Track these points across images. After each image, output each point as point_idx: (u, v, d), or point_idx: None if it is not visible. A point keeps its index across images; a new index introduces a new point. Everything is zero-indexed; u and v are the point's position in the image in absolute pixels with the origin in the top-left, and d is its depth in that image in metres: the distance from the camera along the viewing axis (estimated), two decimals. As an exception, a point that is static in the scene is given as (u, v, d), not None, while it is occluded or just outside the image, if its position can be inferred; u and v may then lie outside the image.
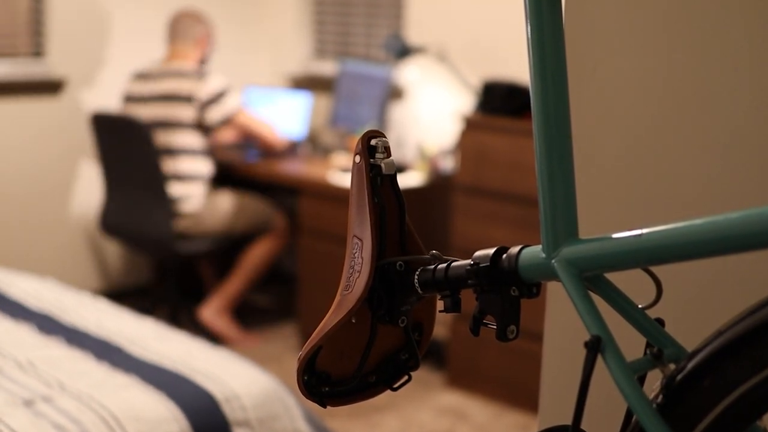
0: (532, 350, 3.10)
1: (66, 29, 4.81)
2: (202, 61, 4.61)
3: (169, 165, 4.37)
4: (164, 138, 4.38)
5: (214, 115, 4.39)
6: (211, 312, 4.63)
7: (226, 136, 4.89)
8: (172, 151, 4.38)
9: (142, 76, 4.52)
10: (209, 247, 4.54)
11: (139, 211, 4.44)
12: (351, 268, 0.98)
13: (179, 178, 4.38)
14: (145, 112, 4.41)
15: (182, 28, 4.58)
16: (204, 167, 4.46)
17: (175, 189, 4.37)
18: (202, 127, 4.41)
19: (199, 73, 4.43)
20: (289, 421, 2.60)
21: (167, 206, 4.35)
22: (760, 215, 0.74)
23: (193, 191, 4.41)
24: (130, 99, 4.50)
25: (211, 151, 4.56)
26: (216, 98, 4.39)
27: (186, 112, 4.37)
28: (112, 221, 4.56)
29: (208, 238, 4.49)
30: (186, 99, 4.37)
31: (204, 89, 4.37)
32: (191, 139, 4.40)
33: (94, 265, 5.03)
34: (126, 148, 4.43)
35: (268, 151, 4.72)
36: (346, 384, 1.01)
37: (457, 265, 0.95)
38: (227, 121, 4.45)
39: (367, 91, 4.84)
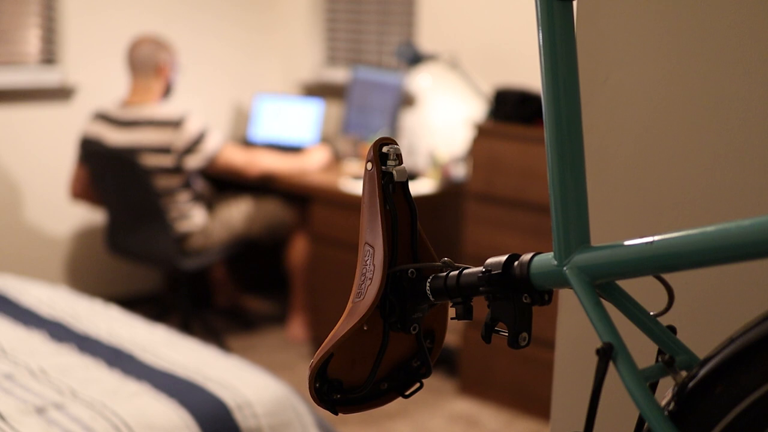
0: (543, 357, 3.10)
1: (78, 36, 4.83)
2: (167, 90, 4.40)
3: (166, 203, 4.30)
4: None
5: (192, 162, 4.26)
6: (298, 328, 4.73)
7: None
8: (160, 193, 4.28)
9: (107, 120, 4.32)
10: (221, 256, 4.54)
11: (143, 234, 4.37)
12: (363, 276, 0.98)
13: (175, 216, 4.34)
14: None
15: (141, 58, 4.33)
16: (189, 197, 4.38)
17: (175, 223, 4.33)
18: (181, 170, 4.28)
19: (174, 122, 4.22)
20: (301, 429, 2.60)
21: (170, 232, 4.29)
22: (772, 222, 0.74)
23: (191, 212, 4.38)
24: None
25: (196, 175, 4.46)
26: (194, 145, 4.24)
27: (165, 160, 4.24)
28: (118, 242, 4.49)
29: (219, 248, 4.48)
30: (164, 150, 4.23)
31: (181, 138, 4.23)
32: (168, 181, 4.29)
33: (105, 272, 5.04)
34: (122, 183, 4.31)
35: (243, 178, 4.54)
36: (358, 391, 1.01)
37: (469, 272, 0.95)
38: (209, 163, 4.32)
39: (379, 98, 4.84)
